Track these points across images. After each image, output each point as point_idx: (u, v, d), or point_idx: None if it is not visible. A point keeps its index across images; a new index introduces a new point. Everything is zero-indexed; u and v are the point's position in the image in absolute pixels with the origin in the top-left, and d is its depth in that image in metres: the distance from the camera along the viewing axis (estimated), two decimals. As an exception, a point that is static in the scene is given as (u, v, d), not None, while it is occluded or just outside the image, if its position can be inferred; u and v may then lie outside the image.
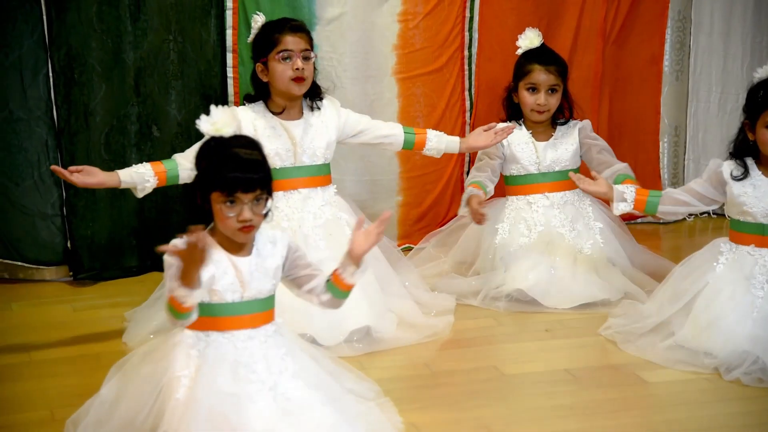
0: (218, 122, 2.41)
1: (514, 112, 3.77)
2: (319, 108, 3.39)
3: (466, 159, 4.28)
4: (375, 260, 3.39)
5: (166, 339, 2.54)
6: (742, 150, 3.12)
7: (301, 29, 3.33)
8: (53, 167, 3.13)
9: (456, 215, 4.09)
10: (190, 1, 3.80)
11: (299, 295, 2.62)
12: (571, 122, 3.76)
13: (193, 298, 2.34)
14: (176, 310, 2.37)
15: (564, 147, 3.72)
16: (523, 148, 3.71)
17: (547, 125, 3.75)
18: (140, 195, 3.22)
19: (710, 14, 4.53)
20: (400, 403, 2.74)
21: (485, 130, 3.52)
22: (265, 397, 2.41)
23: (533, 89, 3.68)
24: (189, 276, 2.30)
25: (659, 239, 4.40)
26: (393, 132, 3.49)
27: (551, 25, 4.22)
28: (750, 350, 2.93)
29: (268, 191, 2.43)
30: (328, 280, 2.59)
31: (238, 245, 2.47)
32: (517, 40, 3.78)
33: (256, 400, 2.40)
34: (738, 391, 2.87)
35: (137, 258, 3.94)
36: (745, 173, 3.09)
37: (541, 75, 3.67)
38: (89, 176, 3.11)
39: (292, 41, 3.27)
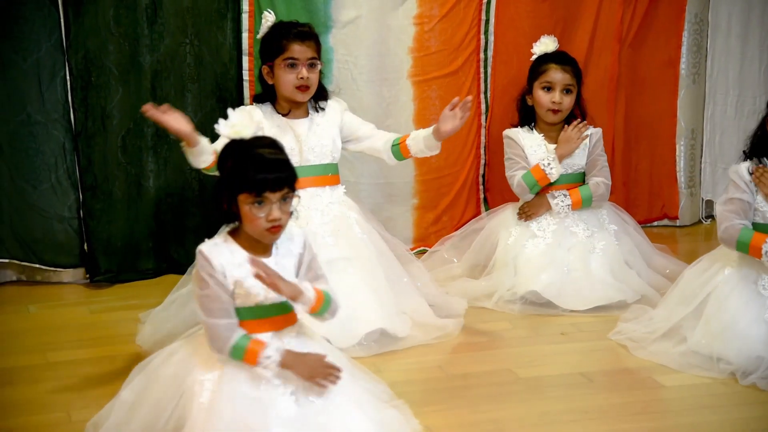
0: (237, 125, 2.43)
1: (526, 116, 3.78)
2: (323, 109, 3.41)
3: (482, 162, 4.27)
4: (387, 261, 3.39)
5: (186, 342, 2.55)
6: (759, 148, 3.10)
7: (309, 37, 3.33)
8: (144, 107, 2.97)
9: (471, 218, 4.10)
10: (206, 4, 3.81)
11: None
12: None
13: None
14: (244, 360, 2.40)
15: (576, 150, 3.72)
16: (536, 150, 3.72)
17: (559, 128, 3.76)
18: (194, 164, 3.13)
19: (728, 17, 4.51)
20: (414, 406, 2.73)
21: (450, 110, 3.36)
22: (288, 401, 2.41)
23: (549, 88, 3.69)
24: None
25: (676, 242, 4.38)
26: (386, 148, 3.45)
27: (567, 28, 4.21)
28: (765, 355, 2.92)
29: (294, 189, 2.44)
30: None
31: (260, 247, 2.47)
32: (532, 43, 3.81)
33: (279, 404, 2.40)
34: (754, 395, 2.86)
35: (153, 260, 3.94)
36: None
37: (557, 74, 3.69)
38: (176, 121, 3.03)
39: (298, 50, 3.29)
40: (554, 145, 3.73)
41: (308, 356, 2.44)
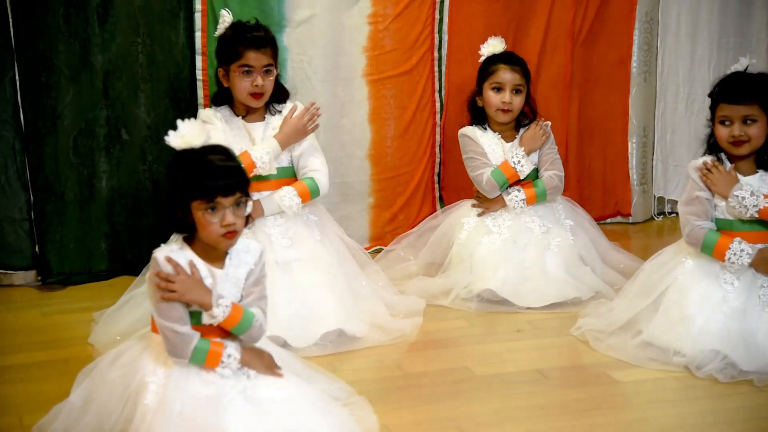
0: (187, 135, 2.44)
1: (477, 116, 3.80)
2: (280, 111, 3.42)
3: (437, 161, 4.29)
4: (345, 263, 3.40)
5: (134, 344, 2.55)
6: (716, 146, 3.15)
7: (265, 44, 3.33)
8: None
9: (427, 216, 4.11)
10: (158, 3, 3.78)
11: None
12: (529, 123, 3.79)
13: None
14: (204, 363, 2.45)
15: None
16: (494, 149, 3.74)
17: (511, 128, 3.79)
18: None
19: (677, 16, 4.56)
20: (372, 405, 2.74)
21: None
22: (237, 399, 2.42)
23: (498, 89, 3.71)
24: None
25: (629, 239, 4.42)
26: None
27: (520, 28, 4.23)
28: (719, 348, 2.95)
29: (247, 195, 2.46)
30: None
31: (215, 256, 2.49)
32: (486, 41, 3.83)
33: (228, 402, 2.41)
34: (707, 389, 2.89)
35: (107, 262, 3.90)
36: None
37: (506, 74, 3.71)
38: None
39: (254, 57, 3.29)
40: (510, 144, 3.75)
41: (263, 354, 2.51)
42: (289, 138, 3.36)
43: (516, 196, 3.68)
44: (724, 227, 3.11)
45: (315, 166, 3.40)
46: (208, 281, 2.46)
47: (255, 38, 3.31)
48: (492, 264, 3.60)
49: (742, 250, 3.03)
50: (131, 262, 3.86)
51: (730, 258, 3.03)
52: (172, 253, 2.45)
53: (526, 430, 2.68)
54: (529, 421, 2.73)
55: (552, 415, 2.76)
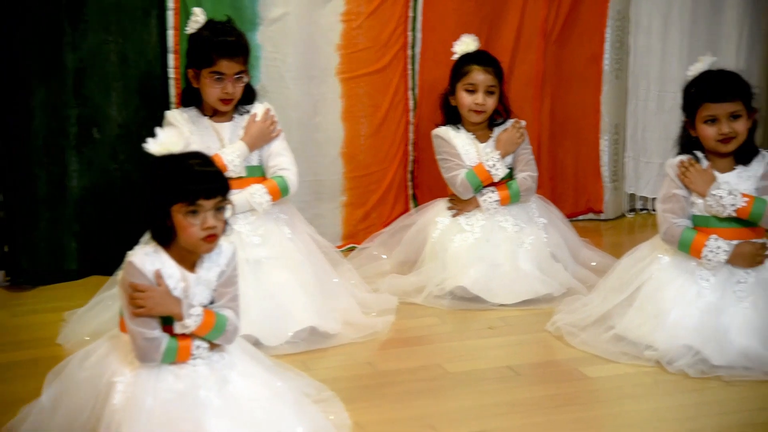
0: (166, 143, 2.46)
1: (451, 115, 3.80)
2: (248, 112, 3.42)
3: (410, 159, 4.30)
4: (316, 261, 3.40)
5: (102, 343, 2.55)
6: (690, 145, 3.17)
7: (238, 52, 3.33)
8: None
9: (400, 215, 4.11)
10: (130, 1, 3.76)
11: None
12: (508, 122, 3.80)
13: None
14: (176, 359, 2.46)
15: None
16: (468, 150, 3.75)
17: (485, 127, 3.79)
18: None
19: (648, 14, 4.58)
20: (344, 403, 2.75)
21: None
22: (209, 396, 2.42)
23: (472, 90, 3.72)
24: None
25: (601, 236, 4.44)
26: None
27: (493, 26, 4.24)
28: (691, 344, 2.97)
29: (227, 199, 2.48)
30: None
31: (190, 260, 2.50)
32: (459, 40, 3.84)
33: (201, 399, 2.41)
34: (677, 384, 2.92)
35: (78, 261, 3.88)
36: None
37: (479, 75, 3.71)
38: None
39: (227, 66, 3.30)
40: (484, 144, 3.76)
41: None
42: (256, 141, 3.37)
43: (490, 197, 3.70)
44: (701, 224, 3.13)
45: (284, 164, 3.40)
46: (180, 285, 2.47)
47: (229, 45, 3.31)
48: (464, 261, 3.61)
49: (718, 247, 3.05)
50: (102, 261, 3.80)
51: (706, 255, 3.05)
52: (147, 256, 2.46)
53: (499, 426, 2.69)
54: (501, 418, 2.74)
55: (524, 412, 2.78)
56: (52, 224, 3.82)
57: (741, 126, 3.08)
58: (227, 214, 2.50)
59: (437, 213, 3.80)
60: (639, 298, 3.14)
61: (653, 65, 4.62)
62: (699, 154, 3.15)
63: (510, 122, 3.80)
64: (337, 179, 4.16)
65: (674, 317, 3.04)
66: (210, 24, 3.38)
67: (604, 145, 4.62)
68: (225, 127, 3.40)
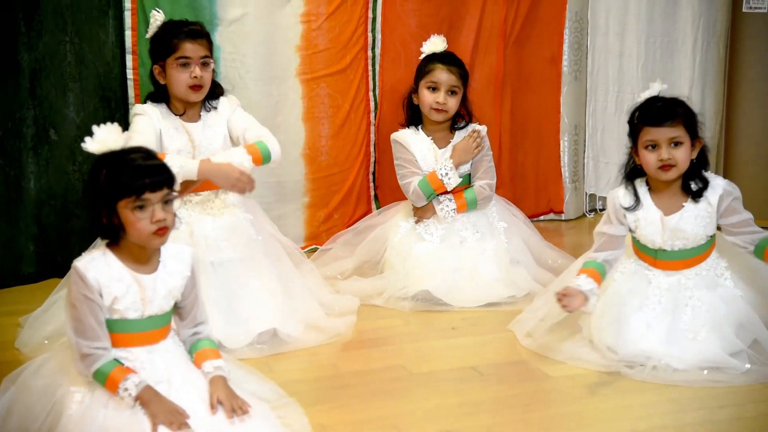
0: (105, 140, 2.42)
1: (413, 115, 3.80)
2: (215, 108, 3.39)
3: (372, 160, 4.31)
4: (278, 261, 3.39)
5: (61, 351, 2.53)
6: (633, 173, 3.13)
7: (201, 35, 3.31)
8: None
9: (362, 215, 4.11)
10: (86, 1, 3.74)
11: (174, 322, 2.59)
12: (469, 126, 3.80)
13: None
14: (107, 386, 2.39)
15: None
16: (425, 155, 3.74)
17: (446, 130, 3.79)
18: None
19: (606, 16, 4.64)
20: (308, 405, 2.74)
21: None
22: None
23: (434, 88, 3.72)
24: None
25: (562, 236, 4.48)
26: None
27: (453, 27, 4.27)
28: (647, 349, 2.99)
29: (173, 190, 2.45)
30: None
31: (143, 261, 2.47)
32: (419, 41, 3.85)
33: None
34: (636, 383, 2.94)
35: (36, 264, 3.86)
36: (637, 202, 3.09)
37: (442, 74, 3.71)
38: None
39: (190, 48, 3.26)
40: (443, 150, 3.75)
41: (165, 401, 2.40)
42: (211, 176, 3.22)
43: (447, 206, 3.70)
44: (647, 253, 3.12)
45: (264, 134, 3.34)
46: (134, 289, 2.43)
47: (191, 30, 3.29)
48: (426, 267, 3.61)
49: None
50: (60, 264, 3.76)
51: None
52: (92, 262, 2.42)
53: (463, 426, 2.71)
54: (465, 418, 2.76)
55: (487, 411, 2.80)
56: (8, 227, 3.79)
57: (681, 154, 3.00)
58: (175, 206, 2.47)
59: (400, 217, 3.80)
60: (602, 302, 3.12)
61: (611, 66, 4.67)
62: (643, 182, 3.09)
63: (471, 126, 3.79)
64: (299, 180, 4.16)
65: (633, 322, 3.05)
66: (168, 22, 3.37)
67: (564, 146, 4.67)
68: (195, 127, 3.34)
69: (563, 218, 4.70)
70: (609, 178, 4.72)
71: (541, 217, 4.68)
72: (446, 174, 3.67)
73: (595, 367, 3.03)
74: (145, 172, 2.39)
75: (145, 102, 3.38)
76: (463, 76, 3.75)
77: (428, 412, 2.80)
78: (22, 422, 2.43)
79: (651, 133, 3.01)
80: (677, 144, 3.01)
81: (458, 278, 3.61)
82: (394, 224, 3.79)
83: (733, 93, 4.71)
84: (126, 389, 2.37)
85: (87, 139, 2.43)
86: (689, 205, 3.06)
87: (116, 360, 2.42)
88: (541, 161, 4.64)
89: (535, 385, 2.98)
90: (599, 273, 3.05)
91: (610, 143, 4.72)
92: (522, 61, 4.51)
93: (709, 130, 4.41)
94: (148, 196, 2.38)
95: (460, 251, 3.66)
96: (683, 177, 3.06)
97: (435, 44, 3.79)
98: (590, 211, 4.81)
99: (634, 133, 3.08)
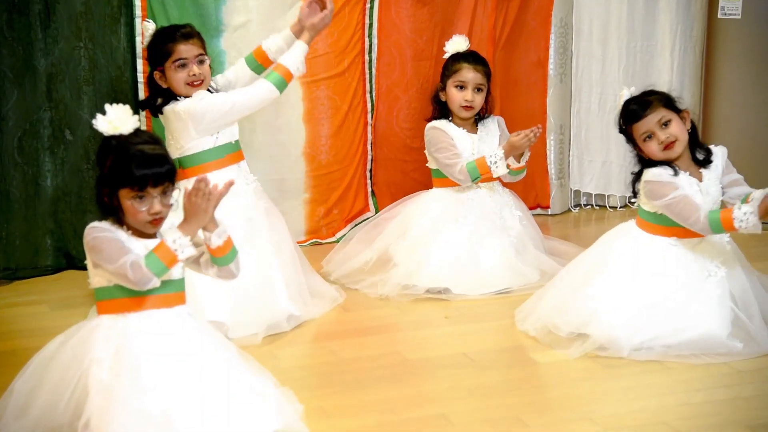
0: (115, 120, 2.42)
1: (441, 110, 3.88)
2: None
3: (369, 158, 4.37)
4: (285, 245, 3.45)
5: (83, 325, 2.53)
6: (651, 164, 3.20)
7: (192, 36, 3.40)
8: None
9: (360, 211, 4.22)
10: (99, 9, 3.79)
11: (200, 271, 2.62)
12: (487, 117, 3.90)
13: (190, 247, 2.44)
14: (163, 262, 2.41)
15: (491, 138, 3.88)
16: (462, 141, 3.82)
17: (472, 121, 3.89)
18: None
19: (589, 22, 4.68)
20: (309, 389, 2.84)
21: (308, 6, 3.53)
22: (190, 378, 2.46)
23: (461, 87, 3.82)
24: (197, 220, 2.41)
25: (548, 230, 4.50)
26: (247, 68, 3.55)
27: (445, 32, 4.29)
28: (639, 331, 3.06)
29: (173, 183, 2.48)
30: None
31: (147, 235, 2.52)
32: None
33: (181, 382, 2.44)
34: (622, 368, 3.00)
35: (52, 257, 3.91)
36: (675, 170, 3.18)
37: (469, 73, 3.81)
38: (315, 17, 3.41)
39: (185, 49, 3.36)
40: (476, 136, 3.83)
41: (186, 206, 2.47)
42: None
43: (499, 166, 3.70)
44: (661, 222, 3.20)
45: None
46: (144, 254, 2.45)
47: (182, 33, 3.38)
48: (447, 258, 3.66)
49: (744, 213, 3.01)
50: (76, 257, 3.89)
51: (740, 226, 3.00)
52: (110, 225, 2.45)
53: (456, 410, 2.77)
54: (458, 401, 2.82)
55: (479, 395, 2.86)
56: (27, 222, 3.84)
57: (675, 129, 3.14)
58: (174, 196, 2.48)
59: (431, 198, 3.82)
60: (590, 290, 3.18)
61: (594, 69, 4.72)
62: (668, 165, 3.17)
63: (488, 117, 3.88)
64: (299, 178, 4.21)
65: (627, 308, 3.11)
66: (160, 29, 3.46)
67: (551, 144, 4.71)
68: None
69: (549, 213, 4.73)
70: (593, 174, 4.79)
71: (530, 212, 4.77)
72: (495, 162, 3.69)
73: (586, 348, 3.07)
74: (150, 165, 2.39)
75: (152, 108, 3.44)
76: (487, 73, 3.85)
77: (423, 396, 2.86)
78: (49, 397, 2.42)
79: (641, 127, 3.16)
80: (667, 123, 3.15)
81: (478, 268, 3.66)
82: (419, 214, 3.78)
83: (709, 95, 4.78)
84: (174, 240, 2.42)
85: (98, 116, 2.42)
86: (705, 172, 3.20)
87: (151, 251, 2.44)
88: (529, 159, 4.73)
89: (524, 370, 3.05)
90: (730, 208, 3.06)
91: (593, 142, 4.77)
92: (510, 64, 4.54)
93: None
94: (149, 189, 2.42)
95: (483, 239, 3.70)
96: (690, 150, 3.19)
97: (458, 44, 3.87)
98: (575, 206, 4.84)
99: (629, 137, 3.22)
